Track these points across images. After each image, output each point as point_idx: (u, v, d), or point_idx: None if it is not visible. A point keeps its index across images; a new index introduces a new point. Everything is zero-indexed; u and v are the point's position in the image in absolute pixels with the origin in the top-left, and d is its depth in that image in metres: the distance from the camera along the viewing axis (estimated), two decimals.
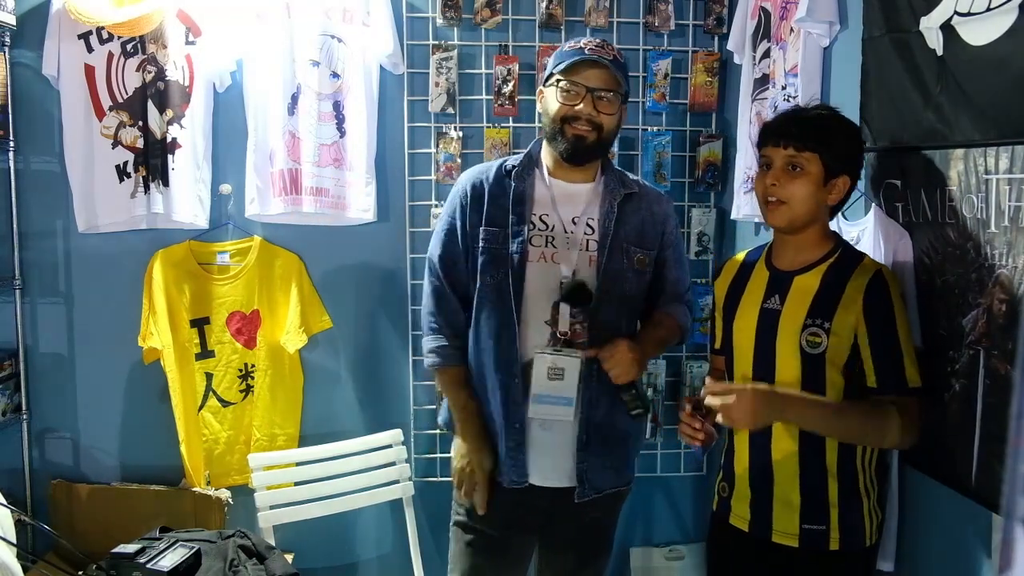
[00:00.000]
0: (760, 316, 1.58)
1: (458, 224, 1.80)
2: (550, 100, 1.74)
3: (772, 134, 1.54)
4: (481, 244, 1.76)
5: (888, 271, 1.50)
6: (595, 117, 1.71)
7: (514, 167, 1.81)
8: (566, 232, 1.77)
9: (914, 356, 1.47)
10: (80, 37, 2.34)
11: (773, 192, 1.52)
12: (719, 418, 1.46)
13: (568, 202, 1.78)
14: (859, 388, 1.51)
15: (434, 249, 1.84)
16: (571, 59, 1.70)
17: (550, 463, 1.77)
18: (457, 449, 1.81)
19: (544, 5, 2.50)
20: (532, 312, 1.74)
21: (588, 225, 1.78)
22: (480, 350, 1.78)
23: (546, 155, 1.81)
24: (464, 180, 1.84)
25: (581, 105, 1.70)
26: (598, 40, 1.76)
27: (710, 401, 1.47)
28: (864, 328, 1.46)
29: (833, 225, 1.67)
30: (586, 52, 1.70)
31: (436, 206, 2.51)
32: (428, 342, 1.84)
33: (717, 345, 1.76)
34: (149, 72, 2.35)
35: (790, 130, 1.51)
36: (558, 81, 1.72)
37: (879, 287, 1.46)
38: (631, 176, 1.87)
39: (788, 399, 1.47)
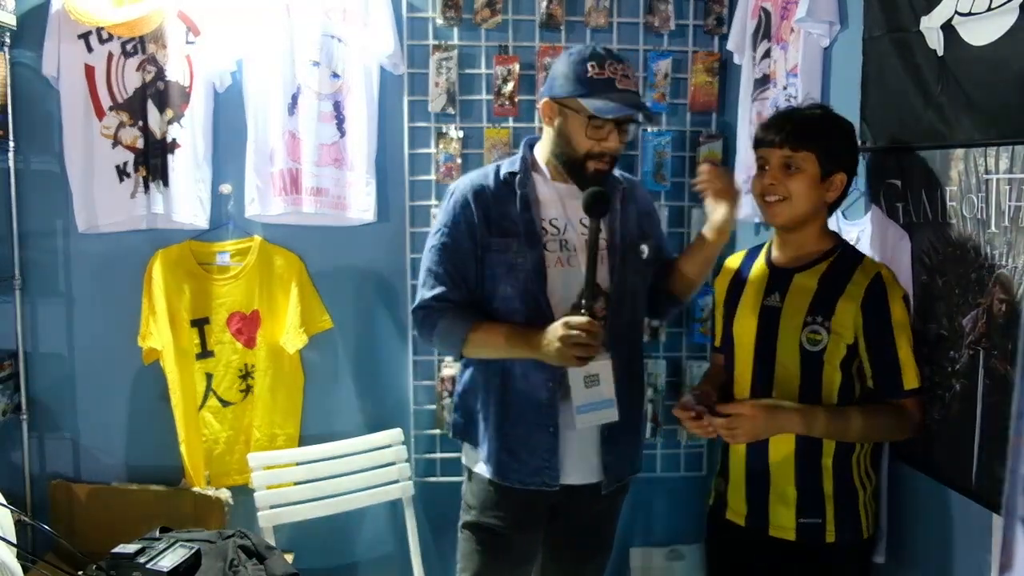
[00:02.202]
0: (761, 314, 1.60)
1: (463, 234, 1.72)
2: (574, 129, 1.66)
3: (768, 135, 1.55)
4: (494, 253, 1.72)
5: (888, 273, 1.51)
6: (617, 152, 1.69)
7: (513, 172, 1.75)
8: (578, 234, 1.73)
9: (912, 359, 1.49)
10: (80, 37, 2.34)
11: (772, 191, 1.54)
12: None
13: (574, 204, 1.72)
14: (859, 385, 1.54)
15: (432, 264, 1.74)
16: (602, 94, 1.62)
17: (578, 461, 1.76)
18: (550, 334, 1.60)
19: (544, 5, 2.50)
20: (556, 318, 1.67)
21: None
22: (510, 360, 1.73)
23: (546, 159, 1.76)
24: (463, 190, 1.75)
25: (610, 142, 1.66)
26: (622, 66, 1.67)
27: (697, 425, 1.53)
28: (863, 331, 1.49)
29: (833, 225, 1.69)
30: (618, 87, 1.63)
31: (436, 206, 2.51)
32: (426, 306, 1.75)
33: (717, 343, 1.77)
34: (149, 72, 2.35)
35: (785, 130, 1.53)
36: (588, 115, 1.63)
37: (878, 290, 1.48)
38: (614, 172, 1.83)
39: (783, 416, 1.49)
